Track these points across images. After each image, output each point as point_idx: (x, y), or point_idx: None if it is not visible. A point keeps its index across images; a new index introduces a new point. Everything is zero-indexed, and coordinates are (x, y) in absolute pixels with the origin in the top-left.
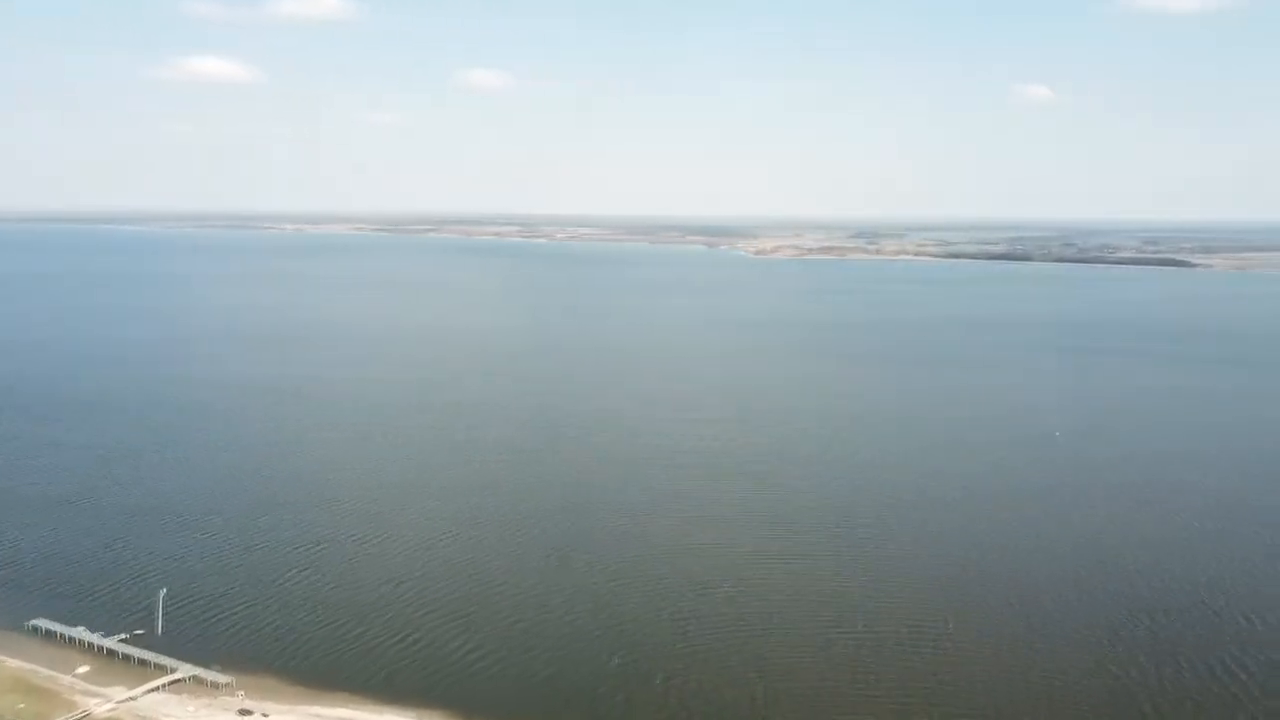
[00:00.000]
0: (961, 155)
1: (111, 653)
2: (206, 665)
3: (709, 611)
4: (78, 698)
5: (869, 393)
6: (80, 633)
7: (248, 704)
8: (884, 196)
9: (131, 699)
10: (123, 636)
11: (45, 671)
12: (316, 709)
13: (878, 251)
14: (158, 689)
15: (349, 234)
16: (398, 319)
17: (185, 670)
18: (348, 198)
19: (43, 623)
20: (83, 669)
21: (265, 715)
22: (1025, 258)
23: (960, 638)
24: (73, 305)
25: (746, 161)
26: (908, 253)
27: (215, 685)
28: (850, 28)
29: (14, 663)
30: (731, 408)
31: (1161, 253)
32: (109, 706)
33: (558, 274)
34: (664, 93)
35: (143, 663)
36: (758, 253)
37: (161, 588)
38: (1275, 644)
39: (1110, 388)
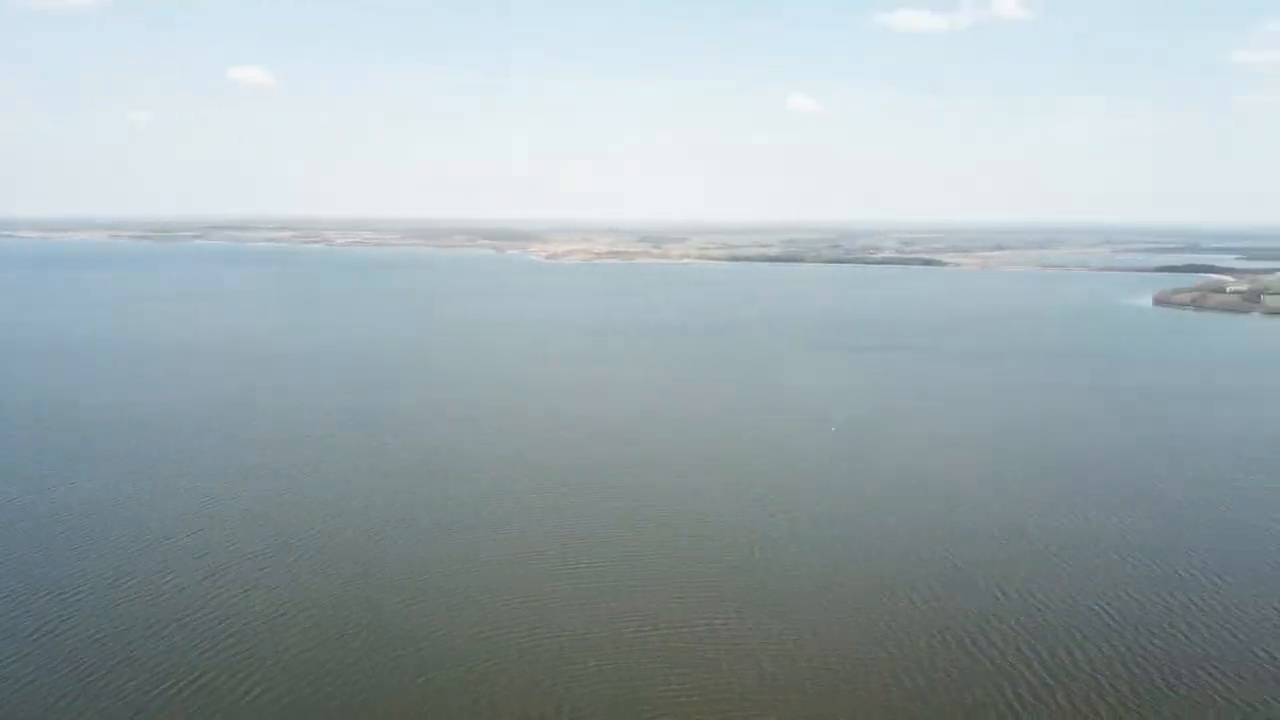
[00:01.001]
0: (743, 161)
1: None
2: None
3: (507, 623)
4: None
5: (651, 393)
6: None
7: None
8: (672, 200)
9: None
10: None
11: None
12: None
13: (663, 255)
14: None
15: (104, 241)
16: (154, 336)
17: None
18: (112, 201)
19: None
20: None
21: None
22: (798, 259)
23: (743, 629)
24: None
25: (537, 163)
26: (691, 256)
27: None
28: (633, 41)
29: None
30: (525, 413)
31: (917, 252)
32: None
33: (336, 282)
34: (450, 92)
35: None
36: (548, 257)
37: None
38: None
39: (877, 381)
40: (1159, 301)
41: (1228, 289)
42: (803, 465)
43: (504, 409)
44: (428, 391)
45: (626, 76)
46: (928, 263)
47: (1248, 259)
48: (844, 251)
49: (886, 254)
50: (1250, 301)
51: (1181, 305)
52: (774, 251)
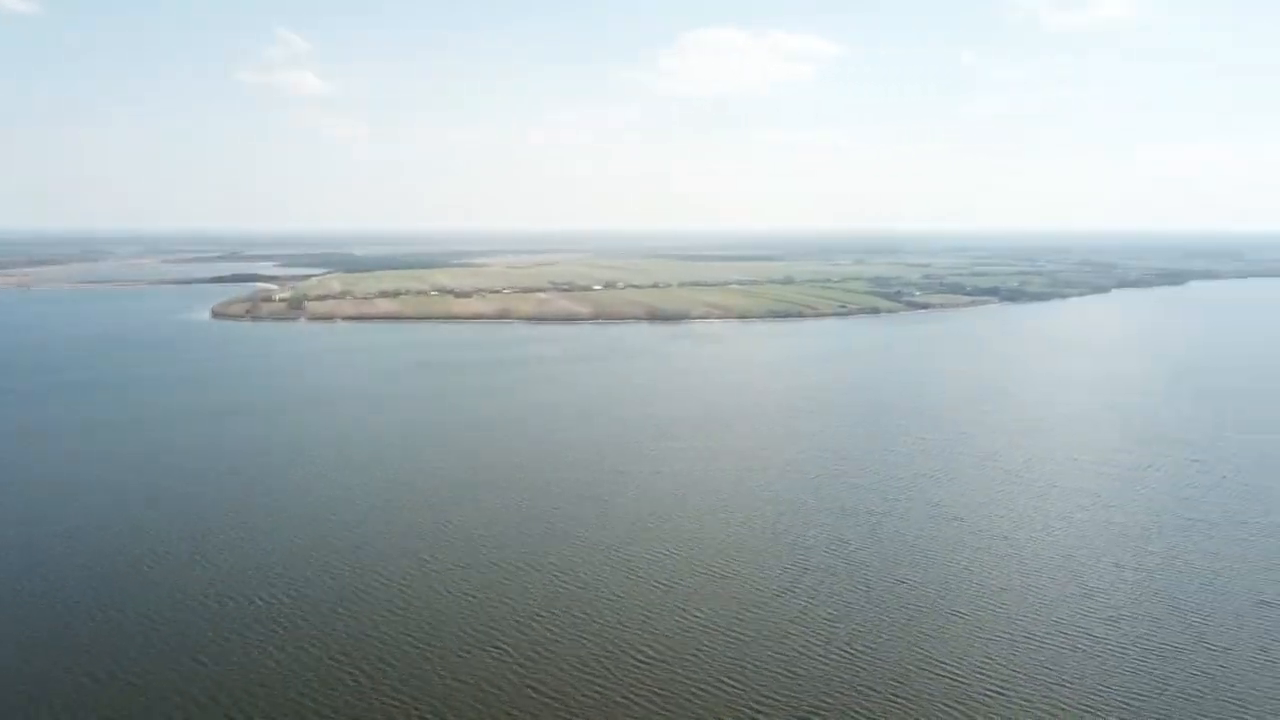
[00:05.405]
0: None
1: None
2: None
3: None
4: None
5: None
6: None
7: None
8: None
9: None
10: None
11: None
12: None
13: None
14: None
15: None
16: None
17: None
18: None
19: None
20: None
21: None
22: None
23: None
24: None
25: None
26: None
27: None
28: None
29: None
30: None
31: None
32: None
33: None
34: None
35: None
36: None
37: None
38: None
39: None
40: (217, 314)
41: (275, 297)
42: None
43: None
44: None
45: None
46: None
47: (285, 266)
48: None
49: None
50: (295, 309)
51: (238, 317)
52: None
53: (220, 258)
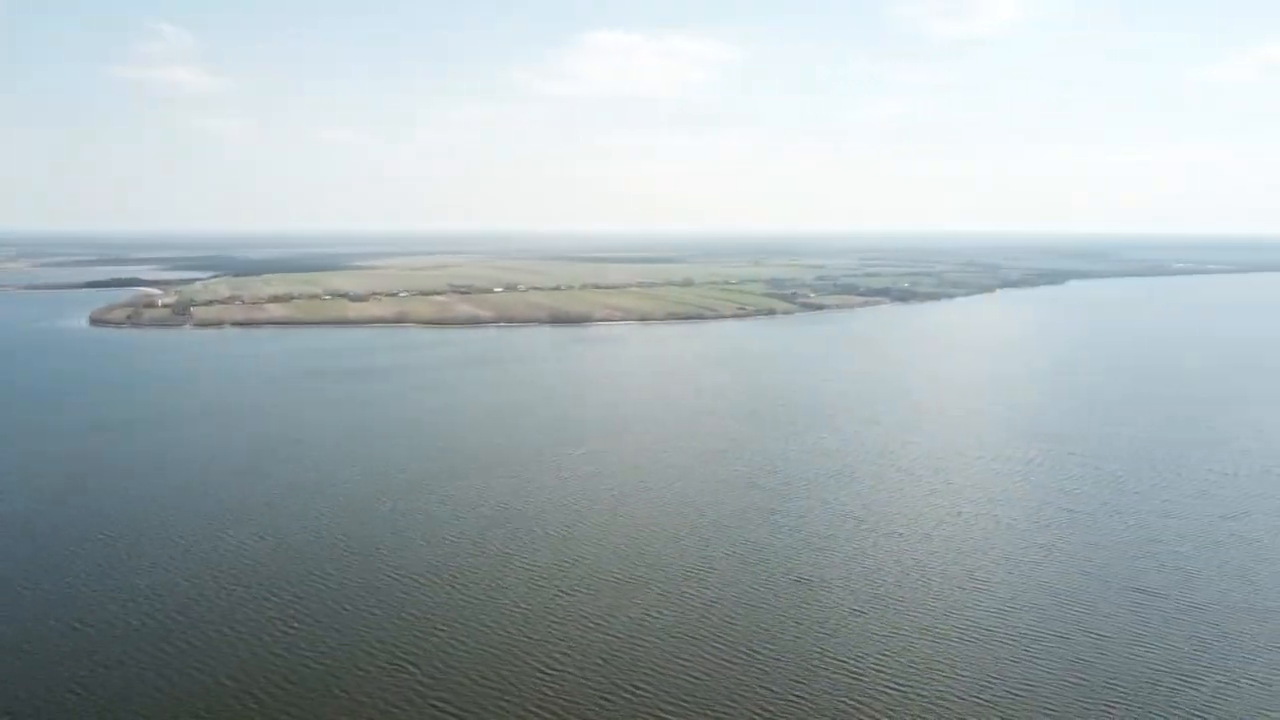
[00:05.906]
0: None
1: None
2: None
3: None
4: None
5: None
6: None
7: None
8: None
9: None
10: None
11: None
12: None
13: None
14: None
15: None
16: None
17: None
18: None
19: None
20: None
21: None
22: None
23: None
24: None
25: None
26: None
27: None
28: None
29: None
30: None
31: None
32: None
33: None
34: None
35: None
36: None
37: None
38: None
39: None
40: (96, 321)
41: (159, 303)
42: None
43: None
44: None
45: None
46: None
47: (169, 270)
48: None
49: None
50: (180, 315)
51: (119, 324)
52: None
53: (99, 261)
